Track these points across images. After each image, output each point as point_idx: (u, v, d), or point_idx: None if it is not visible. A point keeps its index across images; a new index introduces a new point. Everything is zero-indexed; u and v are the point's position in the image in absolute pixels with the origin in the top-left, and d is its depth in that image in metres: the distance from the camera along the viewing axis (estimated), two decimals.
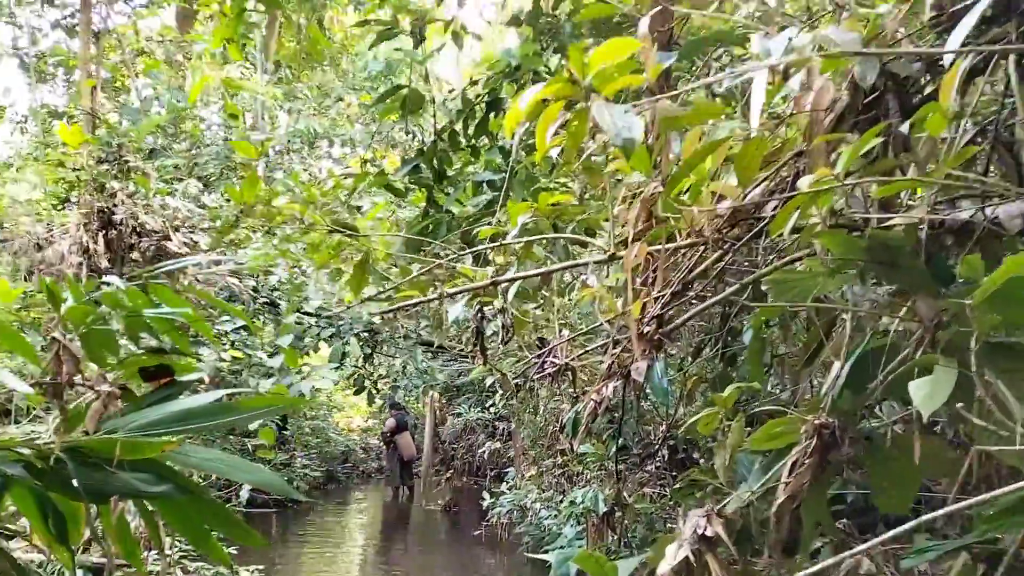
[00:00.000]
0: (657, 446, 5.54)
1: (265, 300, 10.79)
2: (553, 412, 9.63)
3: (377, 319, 11.26)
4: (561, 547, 6.94)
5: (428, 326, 11.93)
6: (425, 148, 4.34)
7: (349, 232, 2.79)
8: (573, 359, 2.85)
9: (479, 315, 2.96)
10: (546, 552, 7.59)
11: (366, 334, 11.04)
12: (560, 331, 2.92)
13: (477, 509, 13.25)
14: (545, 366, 2.86)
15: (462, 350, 13.05)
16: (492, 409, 10.12)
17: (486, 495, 9.98)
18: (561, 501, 8.00)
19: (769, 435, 1.83)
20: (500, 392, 10.01)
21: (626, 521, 5.48)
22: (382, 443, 19.20)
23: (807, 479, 1.68)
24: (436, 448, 19.36)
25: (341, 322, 10.82)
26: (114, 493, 1.62)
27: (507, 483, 10.18)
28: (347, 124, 17.67)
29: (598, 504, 5.15)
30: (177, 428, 1.81)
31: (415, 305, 3.08)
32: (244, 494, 8.52)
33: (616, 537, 5.46)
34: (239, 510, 9.88)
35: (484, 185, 4.20)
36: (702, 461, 5.40)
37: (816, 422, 1.68)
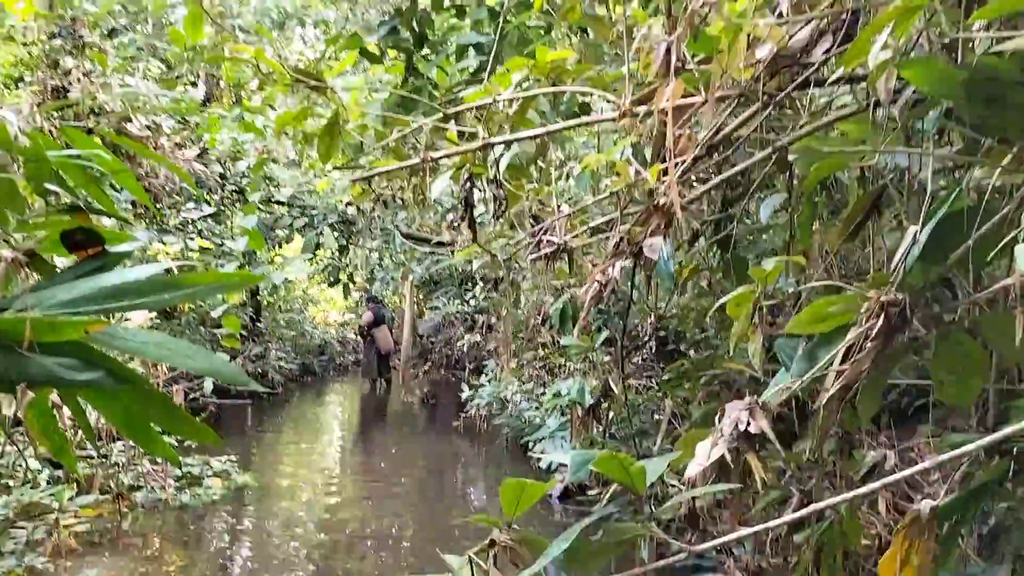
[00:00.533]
0: (646, 338, 5.33)
1: (234, 188, 10.32)
2: (535, 304, 9.43)
3: (352, 209, 10.87)
4: (542, 438, 6.83)
5: (406, 218, 11.56)
6: (404, 7, 3.88)
7: (315, 84, 2.41)
8: (573, 238, 2.54)
9: (468, 185, 2.62)
10: (527, 443, 7.51)
11: (341, 225, 10.66)
12: (559, 207, 2.60)
13: (455, 401, 13.22)
14: (541, 246, 2.55)
15: (441, 241, 12.73)
16: (472, 302, 9.89)
17: (465, 387, 9.87)
18: (543, 393, 7.88)
19: (817, 316, 1.55)
20: (481, 284, 9.77)
21: (611, 413, 5.32)
22: (359, 336, 19.10)
23: (867, 365, 1.41)
24: (414, 342, 19.29)
25: (314, 212, 10.40)
26: (26, 380, 1.32)
27: (486, 376, 10.06)
28: (320, 4, 16.69)
29: (584, 396, 4.96)
30: (108, 306, 1.48)
31: (392, 173, 2.71)
32: (208, 385, 8.25)
33: (601, 429, 5.31)
34: (212, 402, 9.71)
35: (470, 49, 3.78)
36: (692, 353, 5.20)
37: (883, 298, 1.40)
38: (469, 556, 1.39)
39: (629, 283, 2.71)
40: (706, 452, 1.39)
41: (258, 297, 14.71)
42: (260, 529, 5.71)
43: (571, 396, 5.01)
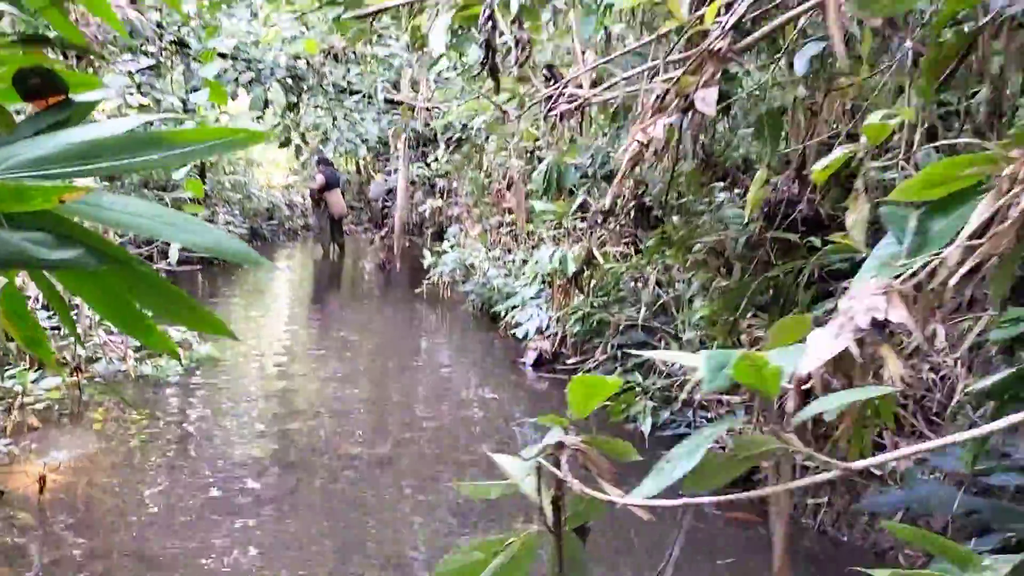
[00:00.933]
0: (627, 203, 5.10)
1: (173, 39, 9.48)
2: (500, 168, 9.09)
3: (302, 63, 10.15)
4: (514, 307, 6.69)
5: (360, 73, 10.88)
6: None
7: None
8: (597, 93, 2.23)
9: (489, 25, 2.25)
10: (496, 311, 7.37)
11: (290, 80, 9.97)
12: (583, 54, 2.28)
13: (414, 267, 13.01)
14: (559, 101, 2.24)
15: (392, 99, 12.10)
16: (434, 166, 9.48)
17: (426, 253, 9.61)
18: (512, 261, 7.68)
19: (931, 180, 1.32)
20: (443, 146, 9.34)
21: (593, 281, 5.16)
22: (309, 200, 18.49)
23: (1010, 237, 1.20)
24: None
25: (261, 65, 9.68)
26: None
27: (448, 242, 9.80)
28: None
29: (567, 264, 4.77)
30: (82, 167, 1.17)
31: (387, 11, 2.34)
32: (174, 253, 7.80)
33: (584, 298, 5.16)
34: (162, 268, 9.31)
35: None
36: (676, 219, 5.01)
37: None
38: (537, 461, 1.18)
39: (692, 136, 2.43)
40: (827, 344, 1.19)
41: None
42: (224, 400, 5.53)
43: (552, 264, 4.80)
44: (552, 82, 2.32)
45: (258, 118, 9.68)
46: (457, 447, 4.63)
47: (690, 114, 1.81)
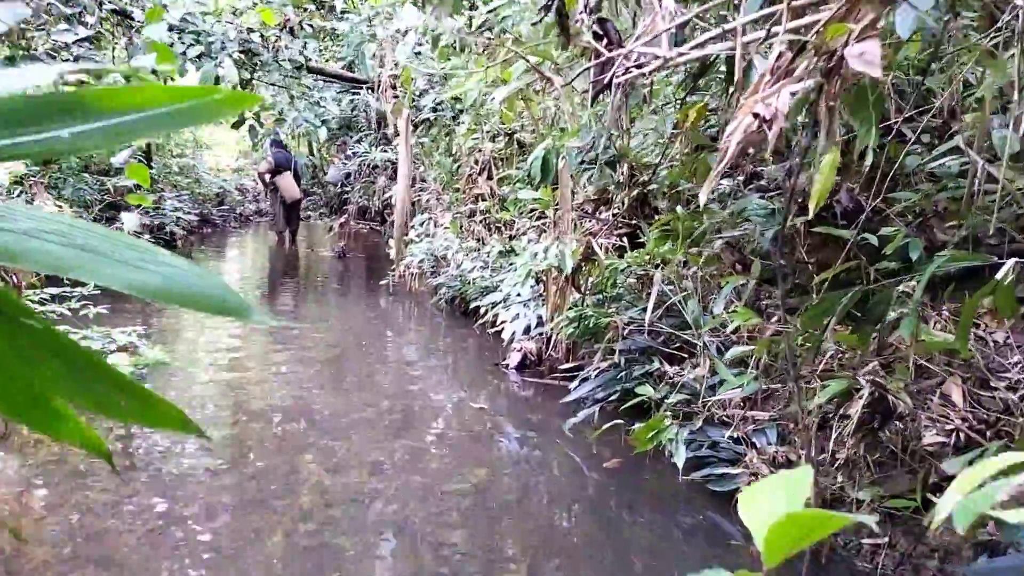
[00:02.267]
0: (626, 190, 4.60)
1: (113, 8, 8.68)
2: (471, 151, 8.53)
3: (256, 36, 9.43)
4: (495, 303, 6.15)
5: (320, 48, 10.18)
6: None
7: None
8: (684, 52, 1.71)
9: None
10: (472, 306, 6.82)
11: (242, 55, 9.24)
12: (660, 4, 1.75)
13: (377, 256, 12.37)
14: (617, 67, 1.72)
15: (356, 78, 11.42)
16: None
17: (391, 243, 9.02)
18: (488, 253, 7.15)
19: None
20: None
21: (591, 278, 4.66)
22: (259, 184, 17.69)
23: None
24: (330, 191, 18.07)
25: (211, 39, 8.94)
26: None
27: (415, 230, 9.22)
28: None
29: (565, 261, 4.25)
30: None
31: None
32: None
33: (582, 297, 4.65)
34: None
35: None
36: (680, 208, 4.52)
37: None
38: None
39: (841, 107, 1.91)
40: None
41: (148, 140, 13.15)
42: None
43: (548, 261, 4.28)
44: (606, 42, 1.80)
45: None
46: (442, 472, 4.09)
47: (835, 78, 1.31)
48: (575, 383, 4.58)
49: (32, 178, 7.75)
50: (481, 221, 7.97)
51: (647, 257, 4.62)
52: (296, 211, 14.38)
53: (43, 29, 7.18)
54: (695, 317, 4.04)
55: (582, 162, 4.21)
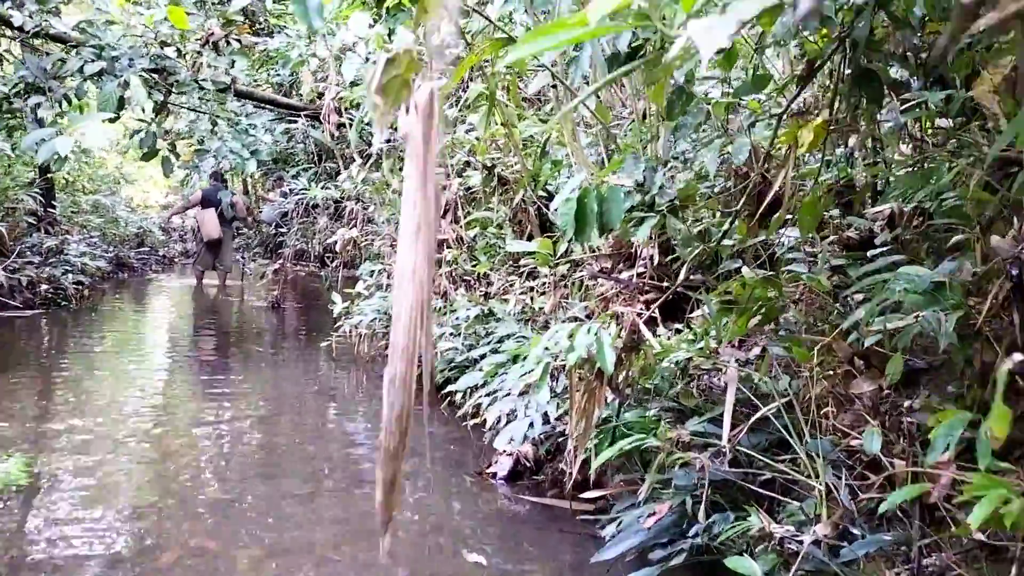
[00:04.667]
0: (691, 247, 3.20)
1: None
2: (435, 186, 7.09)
3: (171, 51, 7.89)
4: (490, 394, 4.69)
5: (247, 69, 8.68)
6: None
7: None
8: None
9: None
10: (445, 388, 5.35)
11: (154, 74, 7.69)
12: None
13: (315, 308, 10.79)
14: None
15: (292, 104, 9.93)
16: (348, 184, 7.39)
17: (335, 297, 7.48)
18: (451, 313, 5.70)
19: None
20: (358, 161, 7.29)
21: (631, 372, 3.25)
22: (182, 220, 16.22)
23: None
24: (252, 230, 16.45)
25: (115, 52, 7.37)
26: None
27: (364, 282, 7.71)
28: None
29: (604, 353, 2.83)
30: None
31: None
32: None
33: (621, 402, 3.23)
34: None
35: None
36: (747, 271, 3.16)
37: None
38: None
39: None
40: None
41: (50, 174, 11.42)
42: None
43: (578, 353, 2.86)
44: None
45: (111, 120, 7.34)
46: None
47: None
48: (609, 527, 3.14)
49: None
50: (447, 274, 6.54)
51: (705, 342, 3.24)
52: (218, 251, 12.86)
53: None
54: (807, 447, 2.66)
55: (631, 208, 2.84)
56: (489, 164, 5.46)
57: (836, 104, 2.69)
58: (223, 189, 12.70)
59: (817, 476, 2.65)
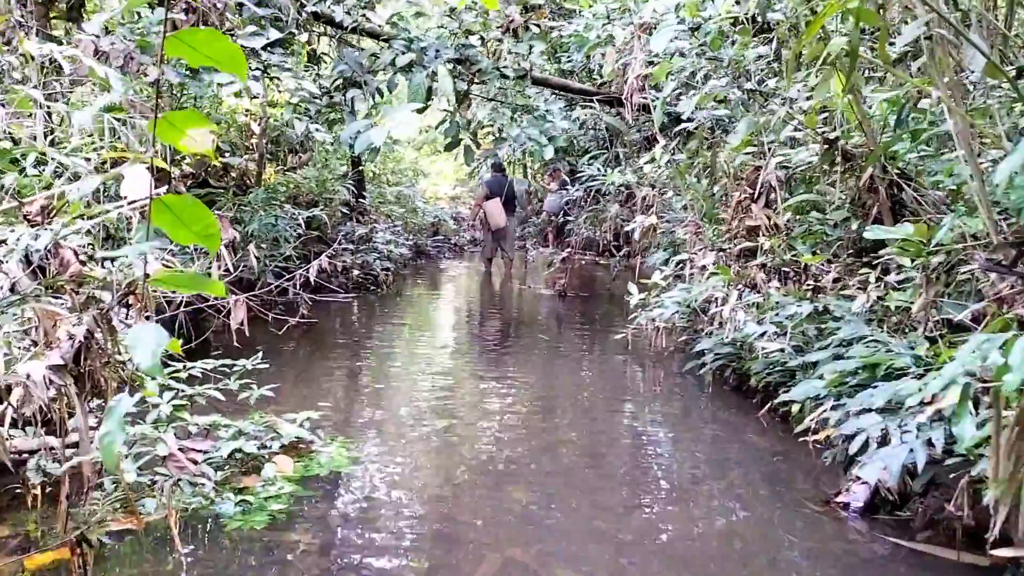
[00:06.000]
0: None
1: (315, 11, 7.54)
2: (742, 168, 6.45)
3: (476, 40, 7.95)
4: (818, 399, 4.01)
5: (544, 52, 8.55)
6: None
7: None
8: None
9: None
10: (761, 388, 4.71)
11: (459, 64, 7.78)
12: None
13: (601, 299, 10.54)
14: None
15: (585, 89, 9.68)
16: (648, 167, 6.95)
17: (631, 288, 7.06)
18: (781, 313, 5.02)
19: None
20: (662, 141, 6.81)
21: None
22: (475, 212, 16.81)
23: None
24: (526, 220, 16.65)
25: (423, 44, 7.54)
26: None
27: (660, 271, 7.22)
28: None
29: None
30: None
31: None
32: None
33: None
34: (304, 298, 7.45)
35: None
36: None
37: None
38: None
39: None
40: None
41: (361, 167, 12.25)
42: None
43: (1021, 376, 2.13)
44: None
45: (419, 111, 7.55)
46: None
47: None
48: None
49: (217, 212, 6.69)
50: (761, 265, 5.86)
51: None
52: (503, 239, 13.11)
53: (231, 33, 6.03)
54: None
55: None
56: (827, 138, 4.70)
57: None
58: (505, 180, 12.90)
59: None
